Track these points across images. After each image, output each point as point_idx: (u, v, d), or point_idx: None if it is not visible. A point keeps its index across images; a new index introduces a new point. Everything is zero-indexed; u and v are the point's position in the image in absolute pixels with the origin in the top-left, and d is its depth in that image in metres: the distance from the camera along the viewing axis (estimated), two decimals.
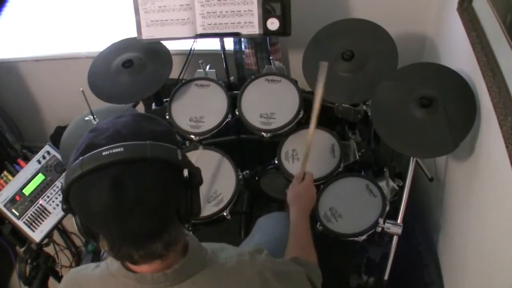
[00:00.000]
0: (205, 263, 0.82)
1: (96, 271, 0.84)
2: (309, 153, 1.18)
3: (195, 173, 0.78)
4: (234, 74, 1.96)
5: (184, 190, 0.77)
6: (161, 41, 1.64)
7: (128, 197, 0.68)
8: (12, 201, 1.50)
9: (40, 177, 1.55)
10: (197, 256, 0.82)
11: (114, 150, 0.68)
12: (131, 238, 0.72)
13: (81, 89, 1.32)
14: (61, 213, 1.53)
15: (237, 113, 1.57)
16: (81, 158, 0.69)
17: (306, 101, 1.56)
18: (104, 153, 0.68)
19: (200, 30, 1.56)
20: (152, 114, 1.77)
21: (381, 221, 1.34)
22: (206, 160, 1.55)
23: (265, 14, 1.48)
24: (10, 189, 1.51)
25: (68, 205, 0.73)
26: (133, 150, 0.69)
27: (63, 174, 1.56)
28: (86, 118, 1.40)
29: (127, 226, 0.70)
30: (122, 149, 0.68)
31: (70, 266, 1.81)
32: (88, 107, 1.37)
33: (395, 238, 1.35)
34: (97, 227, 0.74)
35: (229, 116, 1.59)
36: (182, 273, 0.79)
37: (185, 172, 0.78)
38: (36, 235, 1.49)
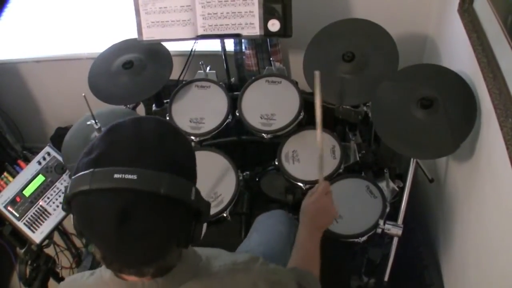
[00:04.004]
0: (197, 271, 0.81)
1: (91, 280, 0.83)
2: (322, 165, 1.14)
3: (205, 210, 0.75)
4: (235, 75, 1.96)
5: (189, 222, 0.74)
6: (161, 42, 1.64)
7: (133, 230, 0.66)
8: (12, 202, 1.50)
9: (40, 178, 1.55)
10: (189, 263, 0.81)
11: (127, 176, 0.64)
12: (125, 262, 0.72)
13: (83, 94, 1.32)
14: (62, 214, 1.53)
15: (237, 114, 1.57)
16: (92, 170, 0.66)
17: (306, 102, 1.56)
18: (116, 176, 0.64)
19: (201, 31, 1.56)
20: (152, 115, 1.77)
21: (381, 222, 1.34)
22: (206, 161, 1.55)
23: (266, 15, 1.48)
24: (10, 190, 1.51)
25: (68, 207, 0.71)
26: (146, 182, 0.65)
27: (63, 175, 1.56)
28: (88, 123, 1.40)
29: (124, 253, 0.69)
30: (135, 176, 0.64)
31: (71, 267, 1.81)
32: (90, 111, 1.36)
33: (395, 239, 1.35)
34: (93, 240, 0.71)
35: (230, 117, 1.59)
36: (173, 281, 0.78)
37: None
38: (36, 236, 1.49)
